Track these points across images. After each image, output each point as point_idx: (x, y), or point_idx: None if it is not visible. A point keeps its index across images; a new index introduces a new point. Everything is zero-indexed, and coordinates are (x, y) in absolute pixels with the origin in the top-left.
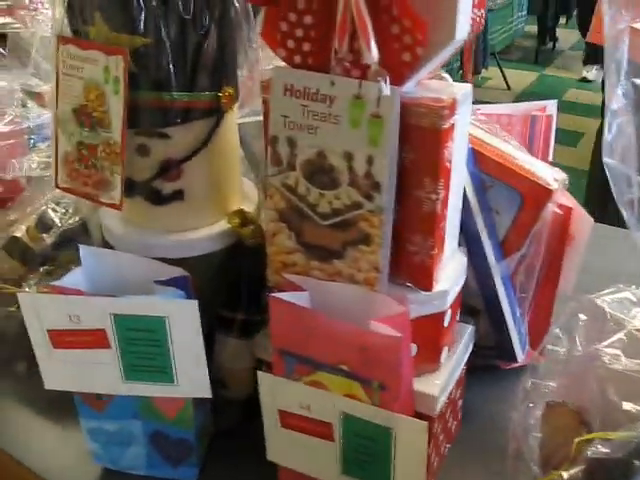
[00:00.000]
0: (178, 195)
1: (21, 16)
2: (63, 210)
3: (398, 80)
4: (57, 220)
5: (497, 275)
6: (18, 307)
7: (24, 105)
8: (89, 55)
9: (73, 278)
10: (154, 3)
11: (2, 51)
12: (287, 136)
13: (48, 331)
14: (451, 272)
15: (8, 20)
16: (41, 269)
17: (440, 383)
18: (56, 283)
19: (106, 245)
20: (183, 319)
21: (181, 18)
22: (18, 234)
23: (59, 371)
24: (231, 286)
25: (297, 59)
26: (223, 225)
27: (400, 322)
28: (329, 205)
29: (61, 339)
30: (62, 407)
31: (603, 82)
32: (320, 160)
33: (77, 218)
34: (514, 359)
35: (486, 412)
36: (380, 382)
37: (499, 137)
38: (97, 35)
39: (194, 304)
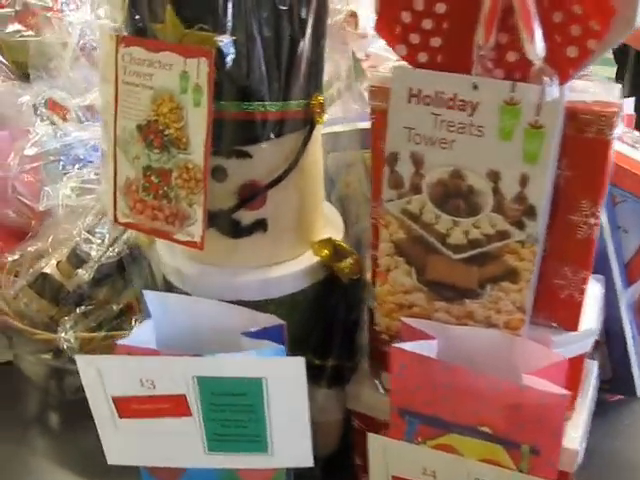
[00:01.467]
0: (260, 225)
1: (35, 23)
2: (99, 241)
3: (559, 81)
4: (93, 253)
5: (623, 302)
6: (50, 352)
7: (52, 122)
8: (161, 58)
9: (143, 333)
10: None
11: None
12: (412, 152)
13: (114, 398)
14: (591, 305)
15: (17, 27)
16: (77, 310)
17: (579, 435)
18: (125, 342)
19: (167, 286)
20: (285, 380)
21: (276, 9)
22: (48, 270)
23: (126, 443)
24: (321, 329)
25: (423, 57)
26: (311, 258)
27: (558, 373)
28: (464, 235)
29: (130, 407)
30: (104, 467)
31: None
32: (455, 181)
33: (117, 250)
34: (633, 393)
35: (605, 449)
36: (532, 446)
37: (627, 144)
38: (168, 33)
39: (300, 362)
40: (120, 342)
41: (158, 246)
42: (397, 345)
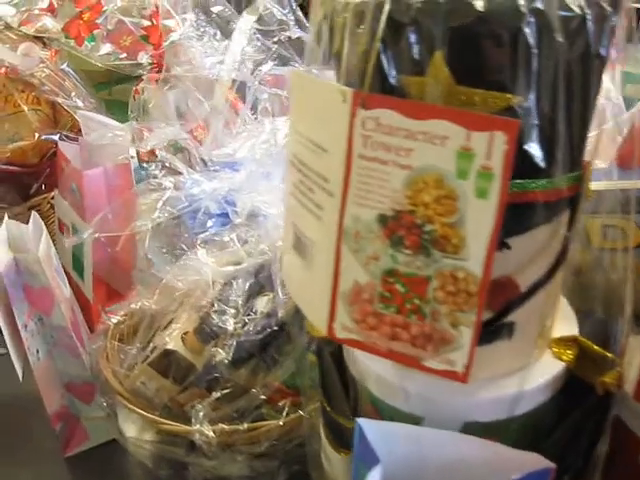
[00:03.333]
0: (506, 331)
1: (130, 44)
2: (232, 310)
3: None
4: (229, 326)
5: None
6: (173, 443)
7: (176, 170)
8: (429, 128)
9: None
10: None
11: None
12: None
13: None
14: None
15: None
16: (213, 394)
17: None
18: None
19: (356, 392)
20: None
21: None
22: (172, 346)
23: None
24: (559, 444)
25: None
26: (552, 362)
27: None
28: None
29: None
30: None
31: None
32: None
33: (260, 325)
34: None
35: None
36: None
37: None
38: (430, 90)
39: None
40: None
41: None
42: None
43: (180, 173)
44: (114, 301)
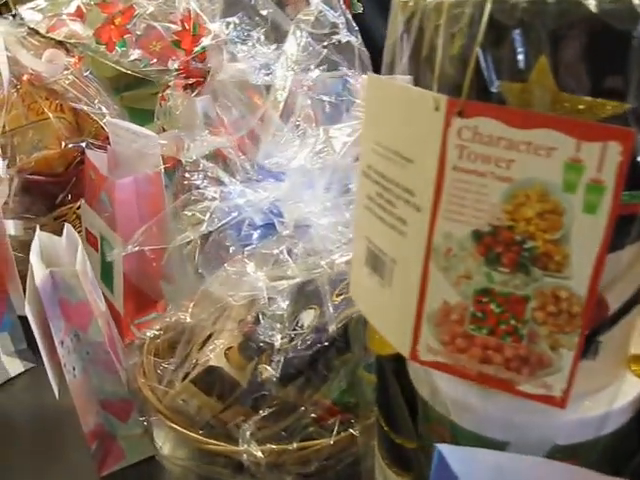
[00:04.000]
0: (593, 349)
1: (160, 50)
2: (278, 325)
3: None
4: (276, 342)
5: None
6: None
7: (219, 180)
8: (534, 138)
9: None
10: None
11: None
12: None
13: None
14: None
15: (138, 54)
16: (260, 412)
17: None
18: None
19: (426, 411)
20: None
21: None
22: (215, 362)
23: None
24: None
25: None
26: (632, 380)
27: None
28: None
29: None
30: None
31: None
32: None
33: (309, 340)
34: None
35: None
36: None
37: None
38: (534, 97)
39: None
40: None
41: None
42: None
43: (222, 183)
44: (143, 314)
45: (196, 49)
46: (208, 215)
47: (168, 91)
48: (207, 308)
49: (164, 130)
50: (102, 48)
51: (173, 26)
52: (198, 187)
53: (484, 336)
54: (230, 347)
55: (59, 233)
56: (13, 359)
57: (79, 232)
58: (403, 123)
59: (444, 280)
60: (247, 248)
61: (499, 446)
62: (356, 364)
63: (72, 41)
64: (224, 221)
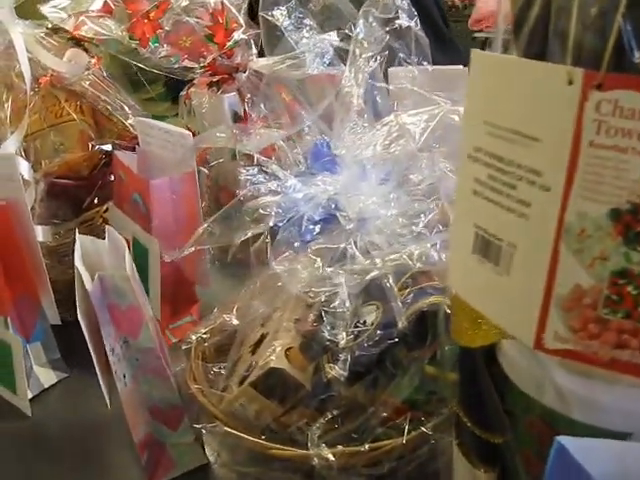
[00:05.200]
0: None
1: (190, 45)
2: (341, 322)
3: None
4: (341, 340)
5: None
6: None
7: (273, 174)
8: None
9: None
10: None
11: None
12: None
13: None
14: None
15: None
16: (327, 414)
17: None
18: None
19: (526, 417)
20: None
21: None
22: (276, 364)
23: None
24: None
25: None
26: None
27: None
28: None
29: None
30: None
31: None
32: None
33: (376, 337)
34: None
35: None
36: None
37: None
38: None
39: None
40: None
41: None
42: None
43: (277, 178)
44: (178, 318)
45: (229, 43)
46: (273, 209)
47: (193, 89)
48: (256, 310)
49: (188, 129)
50: (135, 44)
51: (201, 20)
52: (255, 182)
53: (619, 320)
54: (290, 347)
55: None
56: (46, 370)
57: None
58: (526, 100)
59: (576, 262)
60: (311, 243)
61: (620, 438)
62: (423, 360)
63: (103, 37)
64: (287, 216)
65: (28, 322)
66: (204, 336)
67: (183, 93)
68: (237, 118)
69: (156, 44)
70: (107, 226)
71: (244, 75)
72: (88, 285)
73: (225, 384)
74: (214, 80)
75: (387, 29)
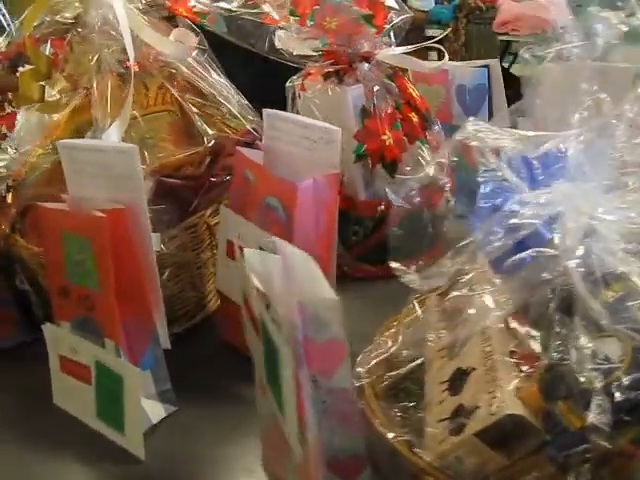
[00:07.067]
0: None
1: None
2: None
3: None
4: (596, 381)
5: None
6: None
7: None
8: None
9: None
10: None
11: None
12: None
13: None
14: None
15: None
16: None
17: None
18: None
19: None
20: None
21: None
22: (513, 409)
23: None
24: None
25: None
26: None
27: None
28: None
29: None
30: None
31: None
32: None
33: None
34: None
35: None
36: None
37: None
38: None
39: None
40: None
41: None
42: None
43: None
44: None
45: (387, 27)
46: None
47: (307, 80)
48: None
49: None
50: (294, 20)
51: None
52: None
53: None
54: (520, 388)
55: (188, 246)
56: (155, 403)
57: (209, 245)
58: None
59: None
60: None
61: None
62: None
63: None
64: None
65: (138, 347)
66: (378, 373)
67: (294, 83)
68: (366, 114)
69: (312, 22)
70: (276, 238)
71: (366, 66)
72: (293, 315)
73: (435, 434)
74: (331, 70)
75: None
